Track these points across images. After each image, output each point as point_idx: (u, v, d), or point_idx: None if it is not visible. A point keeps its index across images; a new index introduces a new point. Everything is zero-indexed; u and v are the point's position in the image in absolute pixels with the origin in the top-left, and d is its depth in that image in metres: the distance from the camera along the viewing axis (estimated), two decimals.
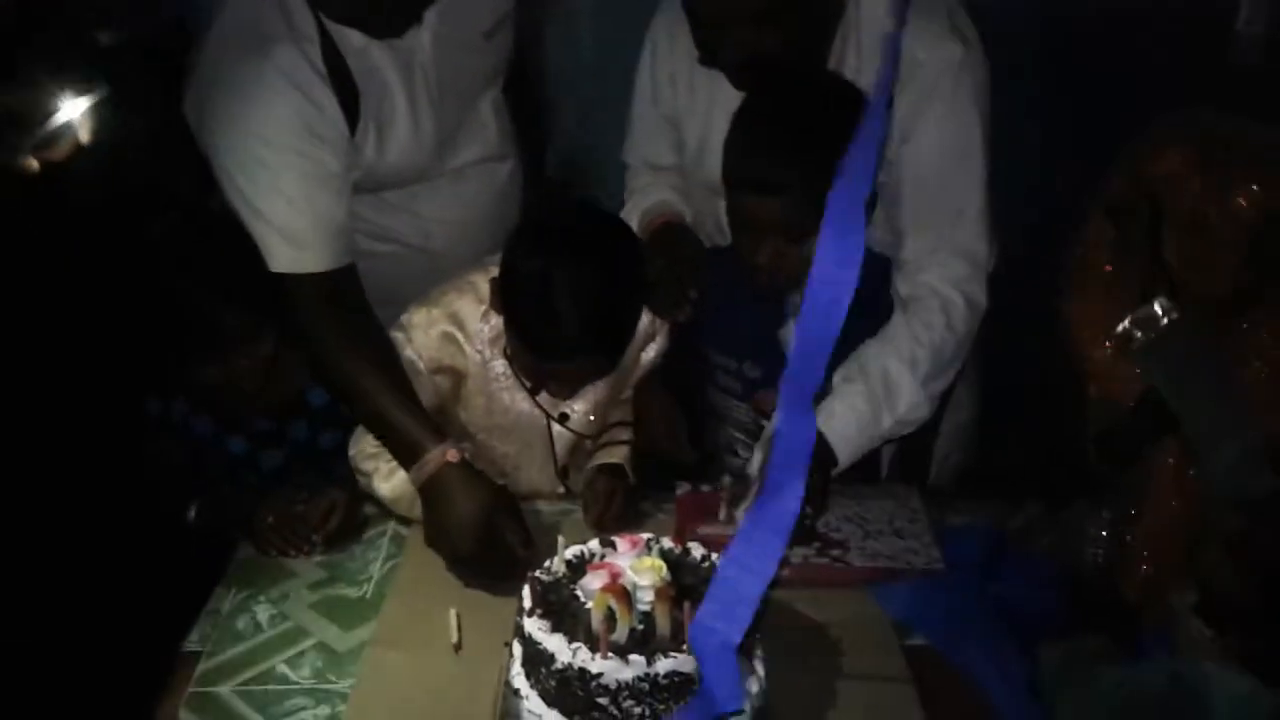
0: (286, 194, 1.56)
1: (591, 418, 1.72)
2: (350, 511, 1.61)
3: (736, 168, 1.54)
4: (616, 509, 1.61)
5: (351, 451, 1.63)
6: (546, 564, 1.31)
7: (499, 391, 1.68)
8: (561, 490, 1.76)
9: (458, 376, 1.67)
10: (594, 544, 1.32)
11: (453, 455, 1.49)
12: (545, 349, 1.51)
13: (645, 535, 1.34)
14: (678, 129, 1.76)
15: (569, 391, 1.63)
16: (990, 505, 1.65)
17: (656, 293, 1.62)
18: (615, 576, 1.23)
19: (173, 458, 1.69)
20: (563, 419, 1.70)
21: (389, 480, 1.59)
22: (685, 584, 1.25)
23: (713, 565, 1.30)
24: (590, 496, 1.63)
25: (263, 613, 1.46)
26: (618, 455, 1.68)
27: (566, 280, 1.43)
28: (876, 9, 1.52)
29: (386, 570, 1.54)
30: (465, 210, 1.76)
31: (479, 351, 1.65)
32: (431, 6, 1.64)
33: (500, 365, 1.66)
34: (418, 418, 1.53)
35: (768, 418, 1.66)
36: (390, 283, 1.71)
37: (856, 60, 1.55)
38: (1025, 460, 1.90)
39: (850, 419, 1.53)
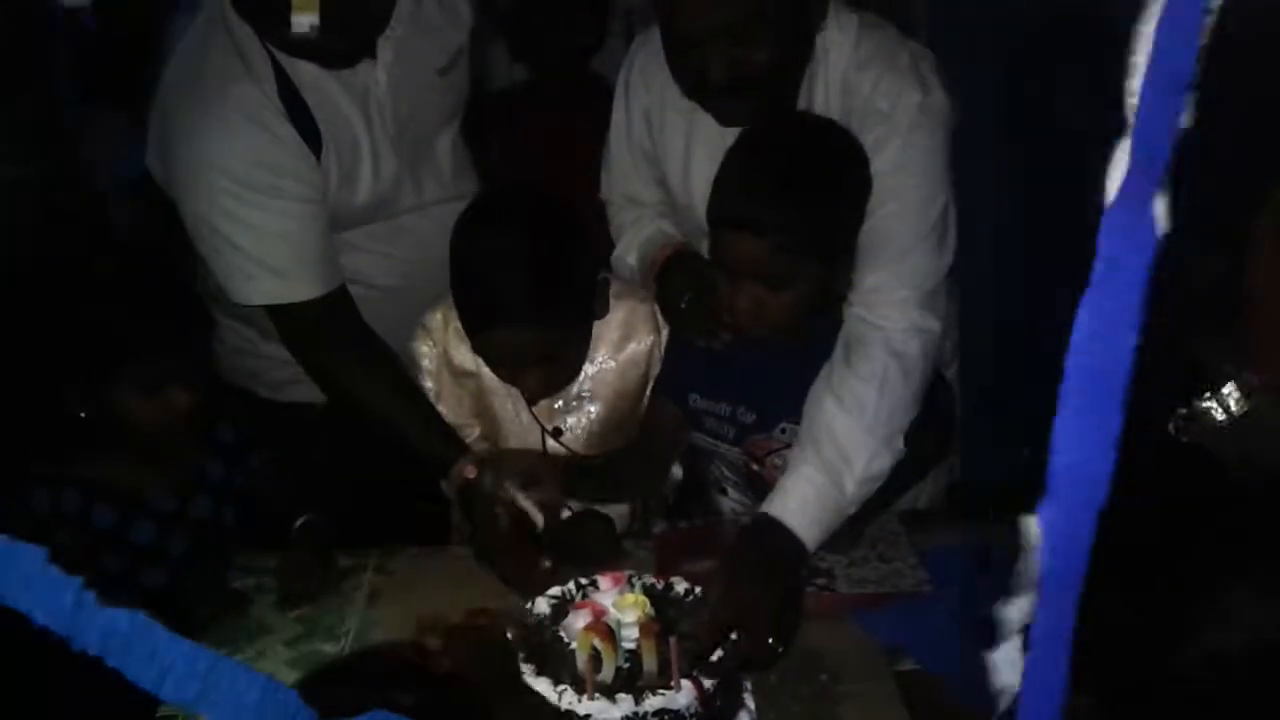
0: (263, 228, 1.56)
1: (580, 433, 1.69)
2: (319, 569, 1.57)
3: (722, 205, 1.48)
4: (593, 550, 1.55)
5: None
6: (528, 606, 1.29)
7: (501, 398, 1.68)
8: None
9: (476, 380, 1.68)
10: (574, 584, 1.30)
11: (469, 472, 1.56)
12: (476, 318, 1.52)
13: (627, 572, 1.32)
14: (658, 168, 1.73)
15: (537, 386, 1.58)
16: (974, 525, 1.64)
17: (690, 321, 1.58)
18: (598, 615, 1.22)
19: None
20: (556, 433, 1.68)
21: None
22: (669, 619, 1.23)
23: (696, 599, 1.28)
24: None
25: None
26: (613, 510, 1.65)
27: (488, 243, 1.50)
28: (841, 53, 1.52)
29: (364, 623, 1.51)
30: (428, 249, 1.74)
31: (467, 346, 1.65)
32: (384, 42, 1.64)
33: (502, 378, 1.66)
34: (436, 434, 1.62)
35: (761, 463, 1.64)
36: None
37: (824, 100, 1.54)
38: (1009, 477, 1.90)
39: (809, 495, 1.41)
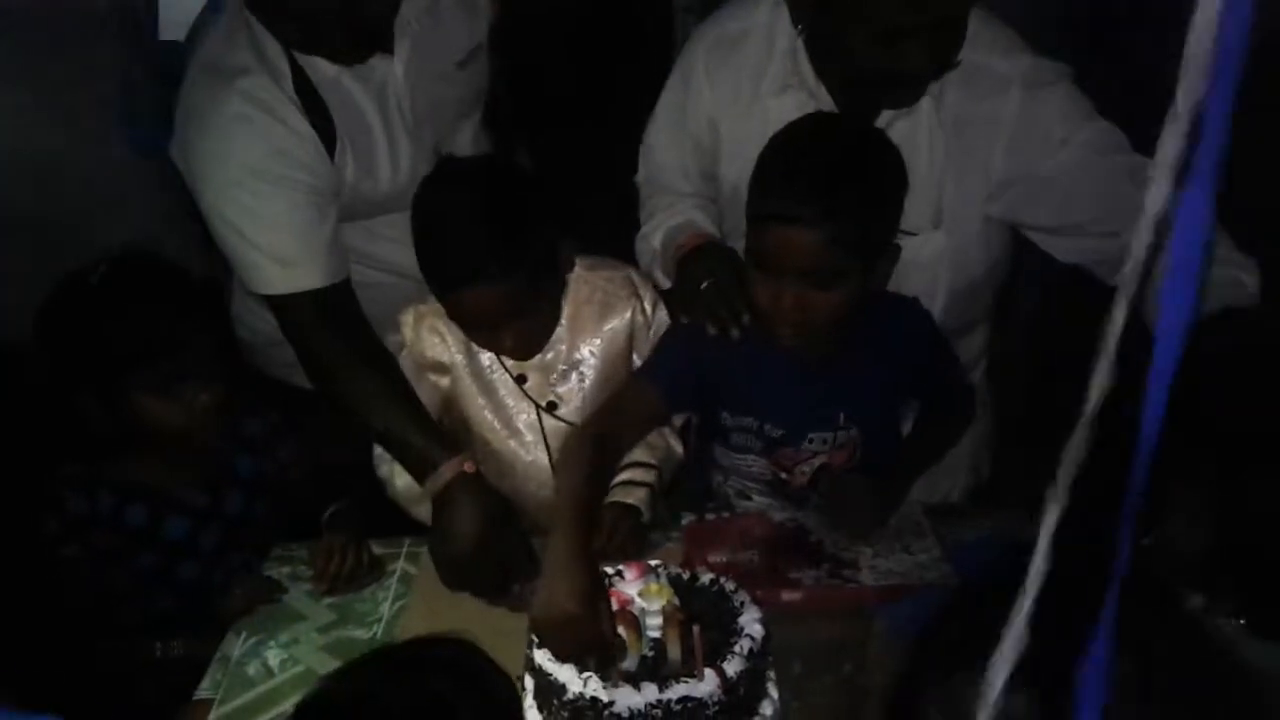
0: (272, 217, 1.59)
1: (575, 404, 1.71)
2: (353, 555, 1.60)
3: (769, 202, 1.43)
4: (620, 540, 1.57)
5: (375, 452, 1.69)
6: None
7: (486, 384, 1.71)
8: None
9: (451, 373, 1.71)
10: (601, 573, 1.32)
11: (469, 466, 1.54)
12: (444, 281, 1.54)
13: (653, 562, 1.33)
14: (710, 162, 1.74)
15: (515, 345, 1.61)
16: (1002, 518, 1.64)
17: (706, 310, 1.57)
18: (624, 604, 1.23)
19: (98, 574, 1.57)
20: (551, 408, 1.70)
21: (404, 476, 1.63)
22: (694, 609, 1.25)
23: (722, 590, 1.30)
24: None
25: (273, 657, 1.45)
26: (634, 497, 1.64)
27: (445, 204, 1.53)
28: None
29: (396, 610, 1.54)
30: None
31: (463, 343, 1.68)
32: (401, 37, 1.67)
33: (487, 357, 1.69)
34: (430, 432, 1.59)
35: (789, 472, 1.66)
36: (384, 311, 1.73)
37: (938, 86, 1.55)
38: (1040, 472, 1.89)
39: None
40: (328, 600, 1.56)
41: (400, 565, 1.63)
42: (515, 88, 2.18)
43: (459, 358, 1.69)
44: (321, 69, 1.62)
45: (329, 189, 1.64)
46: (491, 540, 1.50)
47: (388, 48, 1.67)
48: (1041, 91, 1.53)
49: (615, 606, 1.22)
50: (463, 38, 1.79)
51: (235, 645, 1.48)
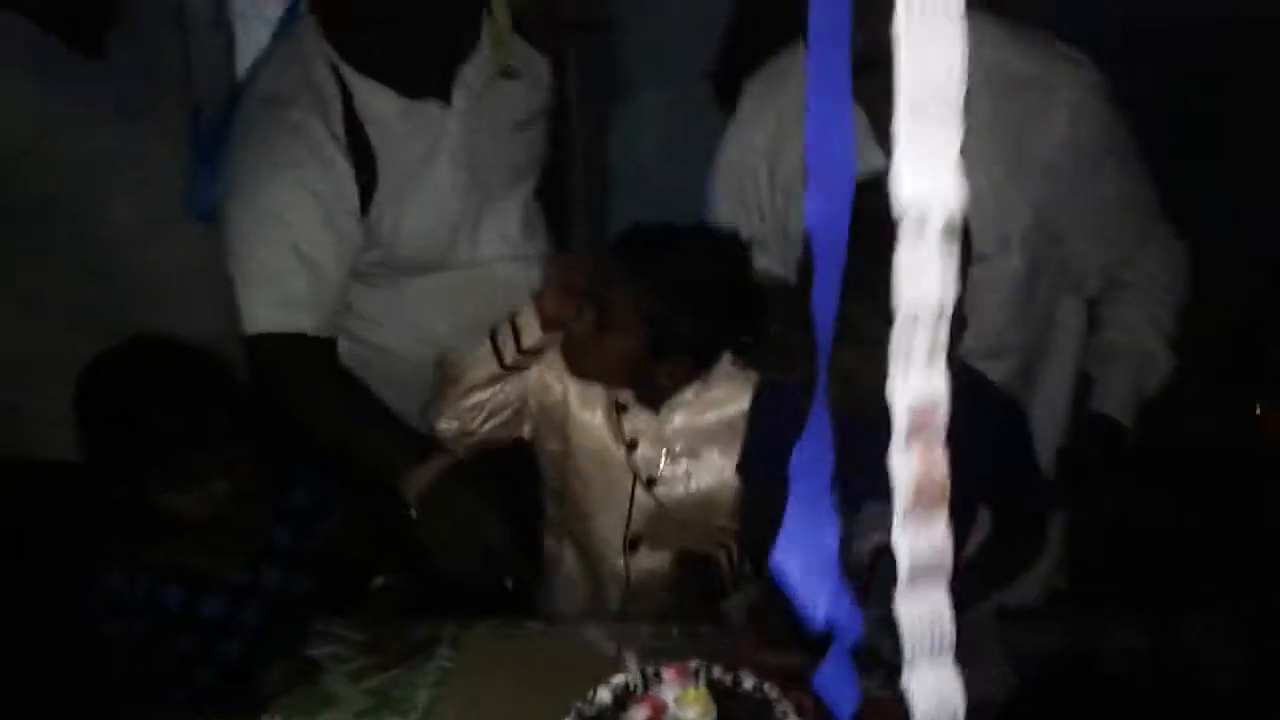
0: (291, 250, 1.58)
1: (676, 487, 1.66)
2: (398, 636, 1.56)
3: None
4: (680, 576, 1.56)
5: None
6: (589, 695, 1.25)
7: (593, 436, 1.66)
8: (623, 572, 1.70)
9: (550, 416, 1.68)
10: (637, 674, 1.25)
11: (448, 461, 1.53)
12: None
13: (693, 663, 1.27)
14: (767, 198, 1.72)
15: (663, 382, 1.60)
16: (1084, 626, 1.53)
17: (775, 354, 1.56)
18: (657, 710, 1.17)
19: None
20: (650, 483, 1.65)
21: None
22: (733, 717, 1.18)
23: (765, 699, 1.22)
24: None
25: None
26: (709, 548, 1.63)
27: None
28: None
29: (433, 698, 1.48)
30: (484, 307, 1.70)
31: (580, 396, 1.66)
32: (460, 89, 1.66)
33: (600, 415, 1.66)
34: (398, 434, 1.59)
35: (846, 548, 1.58)
36: (403, 377, 1.71)
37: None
38: (1114, 576, 1.78)
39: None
40: (364, 684, 1.52)
41: (439, 651, 1.58)
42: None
43: (574, 402, 1.66)
44: (375, 105, 1.61)
45: (357, 237, 1.62)
46: (495, 520, 1.51)
47: (447, 98, 1.66)
48: (1057, 94, 1.49)
49: (649, 712, 1.16)
50: (525, 99, 1.78)
51: None
